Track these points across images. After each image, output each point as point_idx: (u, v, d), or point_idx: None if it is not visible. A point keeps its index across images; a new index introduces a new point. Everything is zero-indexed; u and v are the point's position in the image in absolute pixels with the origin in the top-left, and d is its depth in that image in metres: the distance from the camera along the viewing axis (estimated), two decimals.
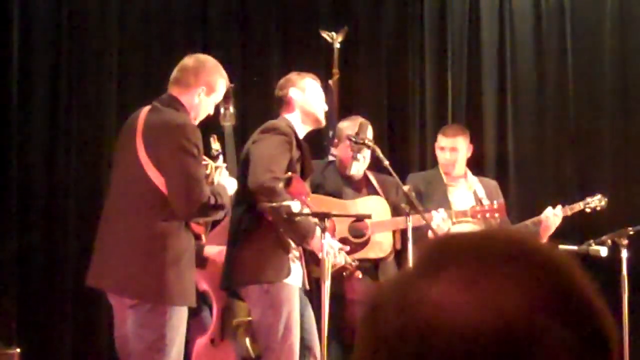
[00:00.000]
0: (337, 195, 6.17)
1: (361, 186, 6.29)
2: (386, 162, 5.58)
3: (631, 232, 6.03)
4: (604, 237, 6.02)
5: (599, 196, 6.43)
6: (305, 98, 5.64)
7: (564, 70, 7.81)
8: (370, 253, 6.11)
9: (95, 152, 7.49)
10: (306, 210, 5.21)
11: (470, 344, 0.94)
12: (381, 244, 6.13)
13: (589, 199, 6.42)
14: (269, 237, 5.32)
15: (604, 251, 5.92)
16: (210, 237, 5.74)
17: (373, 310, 1.02)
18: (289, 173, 5.29)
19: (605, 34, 7.86)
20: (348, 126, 6.17)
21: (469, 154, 6.65)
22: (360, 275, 5.45)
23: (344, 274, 5.63)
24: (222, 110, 5.74)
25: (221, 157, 5.35)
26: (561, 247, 6.05)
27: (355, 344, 1.04)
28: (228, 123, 5.91)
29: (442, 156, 6.59)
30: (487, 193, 6.48)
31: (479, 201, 6.37)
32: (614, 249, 5.98)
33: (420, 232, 5.64)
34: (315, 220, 5.17)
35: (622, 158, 7.64)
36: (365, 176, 6.30)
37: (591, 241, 6.00)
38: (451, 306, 0.96)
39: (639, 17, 7.85)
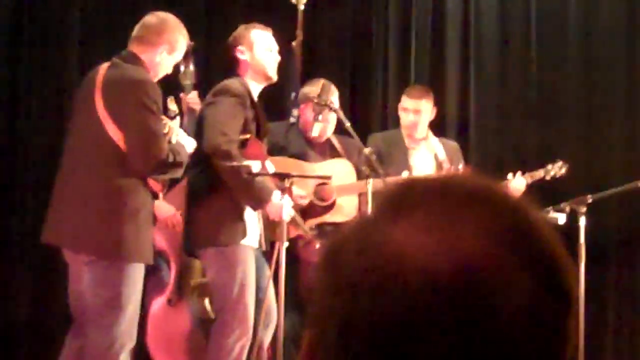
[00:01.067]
0: (301, 158, 6.16)
1: (325, 149, 6.28)
2: (348, 124, 5.58)
3: (590, 201, 6.06)
4: (562, 205, 6.04)
5: (559, 163, 6.44)
6: (253, 55, 5.57)
7: (527, 37, 7.82)
8: (335, 217, 6.11)
9: (56, 111, 7.40)
10: (265, 169, 5.21)
11: (432, 282, 0.93)
12: (346, 208, 6.12)
13: (549, 167, 6.42)
14: (224, 199, 5.31)
15: (562, 219, 5.93)
16: (168, 197, 5.72)
17: (333, 252, 1.01)
18: (247, 135, 5.28)
19: (568, 30, 7.89)
20: (311, 89, 6.13)
21: (432, 117, 6.64)
22: (318, 246, 5.44)
23: (301, 242, 5.62)
24: (182, 68, 5.67)
25: (178, 118, 5.31)
26: None
27: (314, 287, 1.02)
28: (188, 82, 5.85)
29: (405, 118, 6.56)
30: (449, 156, 6.48)
31: (439, 164, 6.37)
32: (572, 217, 6.01)
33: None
34: (272, 184, 5.18)
35: (583, 126, 7.65)
36: (328, 139, 6.28)
37: (549, 208, 6.02)
38: (413, 246, 0.95)
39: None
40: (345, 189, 6.08)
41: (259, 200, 5.32)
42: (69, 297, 5.03)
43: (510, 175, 6.31)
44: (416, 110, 6.49)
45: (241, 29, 5.68)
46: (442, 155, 6.46)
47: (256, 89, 5.58)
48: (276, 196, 5.22)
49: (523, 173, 6.40)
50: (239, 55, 5.57)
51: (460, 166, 6.24)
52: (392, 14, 7.88)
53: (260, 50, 5.58)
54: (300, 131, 6.31)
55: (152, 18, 5.15)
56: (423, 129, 6.56)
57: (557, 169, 6.44)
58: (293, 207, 5.46)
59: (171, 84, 5.58)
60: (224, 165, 5.18)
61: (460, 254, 0.94)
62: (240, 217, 5.32)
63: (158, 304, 5.90)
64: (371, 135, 6.69)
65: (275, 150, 5.92)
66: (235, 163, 5.10)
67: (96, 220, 4.77)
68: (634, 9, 7.74)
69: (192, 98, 5.81)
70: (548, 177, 6.43)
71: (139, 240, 4.84)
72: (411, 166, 6.39)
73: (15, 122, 7.47)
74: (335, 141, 6.28)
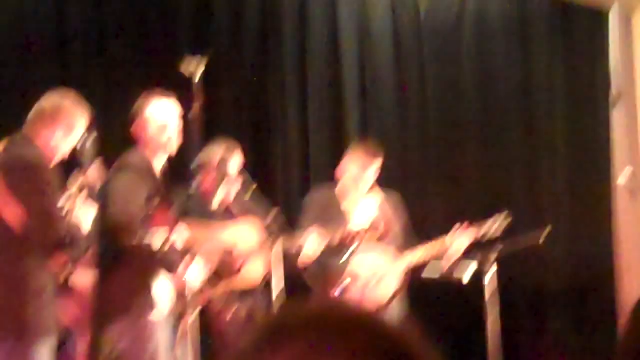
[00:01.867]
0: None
1: (228, 214, 6.23)
2: (252, 190, 5.54)
3: (499, 249, 6.12)
4: (471, 254, 6.12)
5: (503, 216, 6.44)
6: (148, 130, 5.51)
7: (425, 92, 7.99)
8: (242, 282, 6.06)
9: None
10: (171, 241, 5.17)
11: None
12: (253, 273, 6.07)
13: (494, 219, 6.44)
14: (130, 273, 5.26)
15: (467, 276, 6.04)
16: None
17: None
18: (151, 206, 5.25)
19: (463, 52, 8.14)
20: (210, 157, 6.10)
21: (377, 175, 6.59)
22: (228, 318, 5.42)
23: (213, 310, 5.55)
24: (81, 140, 5.61)
25: (83, 193, 5.26)
26: (424, 275, 6.17)
27: None
28: (87, 156, 5.77)
29: (356, 180, 6.48)
30: (391, 206, 6.52)
31: (375, 219, 6.35)
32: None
33: (294, 257, 5.60)
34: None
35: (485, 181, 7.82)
36: (232, 204, 6.24)
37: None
38: None
39: (493, 33, 8.11)
40: (252, 251, 6.03)
41: (167, 271, 5.29)
42: None
43: (453, 231, 6.29)
44: (365, 169, 6.46)
45: (140, 100, 5.63)
46: (380, 209, 6.45)
47: (158, 160, 5.54)
48: (181, 269, 5.23)
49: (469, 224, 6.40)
50: (137, 128, 5.54)
51: (404, 216, 6.25)
52: (290, 80, 7.95)
53: (155, 125, 5.51)
54: (201, 199, 6.27)
55: (47, 102, 5.14)
56: (366, 186, 6.54)
57: (501, 221, 6.44)
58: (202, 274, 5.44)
59: (71, 161, 5.52)
60: (126, 245, 5.13)
61: None
62: (148, 290, 5.27)
63: None
64: (309, 194, 6.68)
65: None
66: (136, 243, 5.07)
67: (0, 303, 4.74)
68: (530, 73, 7.99)
69: (91, 172, 5.74)
70: (492, 231, 6.42)
71: (44, 318, 4.82)
72: (348, 221, 6.38)
73: None
74: (238, 204, 6.23)
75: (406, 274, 6.31)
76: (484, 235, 6.40)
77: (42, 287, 4.85)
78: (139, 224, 5.19)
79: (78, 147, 5.56)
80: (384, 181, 7.53)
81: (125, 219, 5.16)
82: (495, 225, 6.44)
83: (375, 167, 6.50)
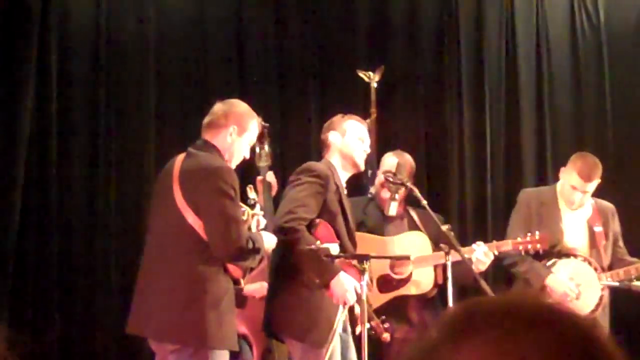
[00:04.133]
0: (379, 231, 6.19)
1: (402, 221, 6.29)
2: (424, 202, 5.54)
3: None
4: None
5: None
6: (344, 142, 5.63)
7: (603, 108, 7.81)
8: (411, 290, 6.09)
9: (135, 193, 7.47)
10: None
11: None
12: (423, 280, 6.09)
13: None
14: (304, 288, 5.28)
15: None
16: (250, 278, 5.76)
17: None
18: (317, 220, 5.30)
19: None
20: (388, 163, 6.22)
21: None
22: (388, 339, 5.38)
23: (372, 333, 5.53)
24: (257, 150, 5.73)
25: (258, 206, 5.34)
26: (603, 283, 6.02)
27: None
28: (264, 163, 5.87)
29: (570, 194, 6.30)
30: (603, 219, 6.38)
31: (592, 232, 6.31)
32: None
33: (463, 266, 5.55)
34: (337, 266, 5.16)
35: None
36: (406, 210, 6.31)
37: (632, 277, 5.96)
38: None
39: None
40: (421, 260, 6.06)
41: (326, 277, 5.24)
42: None
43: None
44: (584, 191, 6.28)
45: (338, 117, 5.76)
46: (596, 220, 6.35)
47: (343, 174, 5.64)
48: (343, 277, 5.20)
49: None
50: (331, 139, 5.65)
51: (617, 228, 6.14)
52: (466, 90, 7.90)
53: (351, 137, 5.65)
54: (378, 205, 6.33)
55: (218, 104, 5.24)
56: (580, 202, 6.37)
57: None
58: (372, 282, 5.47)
59: (247, 171, 5.64)
60: (300, 248, 5.20)
61: None
62: (328, 319, 5.23)
63: None
64: (523, 190, 6.63)
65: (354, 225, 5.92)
66: (313, 246, 5.12)
67: (179, 309, 4.79)
68: None
69: (270, 176, 5.85)
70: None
71: (222, 327, 4.84)
72: (562, 230, 6.33)
73: (95, 210, 7.55)
74: (412, 212, 6.29)
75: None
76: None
77: (222, 294, 4.87)
78: (302, 227, 5.24)
79: (255, 152, 5.69)
80: None
81: (286, 219, 5.22)
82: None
83: (594, 186, 6.31)
